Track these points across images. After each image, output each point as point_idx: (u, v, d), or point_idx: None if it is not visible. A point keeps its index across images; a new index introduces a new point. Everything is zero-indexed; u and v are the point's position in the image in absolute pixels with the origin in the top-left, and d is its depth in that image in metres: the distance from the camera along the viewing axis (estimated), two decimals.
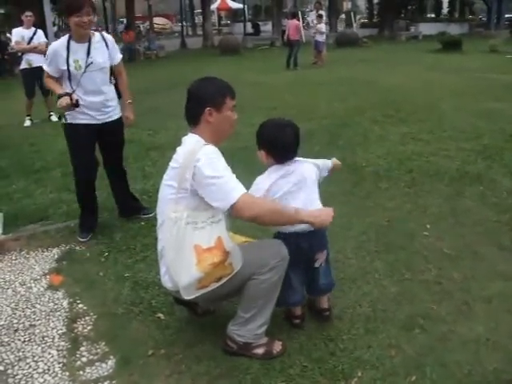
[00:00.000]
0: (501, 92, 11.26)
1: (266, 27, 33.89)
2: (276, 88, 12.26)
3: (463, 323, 3.15)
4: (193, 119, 2.73)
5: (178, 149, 2.73)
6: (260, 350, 2.84)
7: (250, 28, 34.32)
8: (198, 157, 2.53)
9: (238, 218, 2.54)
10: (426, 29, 35.29)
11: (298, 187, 2.86)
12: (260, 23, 35.44)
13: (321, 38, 17.78)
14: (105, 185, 5.03)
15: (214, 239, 2.54)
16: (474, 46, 23.36)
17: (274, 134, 2.89)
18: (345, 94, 10.92)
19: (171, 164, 2.73)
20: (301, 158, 2.99)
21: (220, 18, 52.40)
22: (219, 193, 2.48)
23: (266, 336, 2.89)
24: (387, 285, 3.57)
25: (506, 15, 41.68)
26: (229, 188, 2.48)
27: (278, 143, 2.86)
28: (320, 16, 18.51)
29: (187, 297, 2.61)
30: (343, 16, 36.47)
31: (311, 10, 19.50)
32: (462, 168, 5.96)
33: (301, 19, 24.08)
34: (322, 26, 18.21)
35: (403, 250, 4.06)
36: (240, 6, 34.88)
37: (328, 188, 5.25)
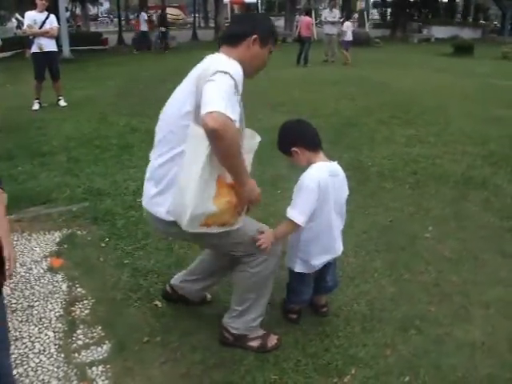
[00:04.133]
0: (510, 99, 11.19)
1: (279, 23, 33.80)
2: (285, 84, 12.23)
3: (460, 327, 3.15)
4: (234, 39, 2.55)
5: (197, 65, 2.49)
6: (255, 343, 2.85)
7: None
8: (222, 66, 2.26)
9: (203, 129, 2.14)
10: (438, 32, 35.07)
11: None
12: (273, 18, 35.44)
13: (350, 37, 17.81)
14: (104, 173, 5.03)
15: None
16: (487, 51, 23.23)
17: (296, 127, 3.00)
18: (353, 94, 10.89)
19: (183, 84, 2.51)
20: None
21: (233, 11, 52.32)
22: (212, 93, 2.16)
23: (262, 329, 2.90)
24: (385, 284, 3.57)
25: None
26: (219, 97, 2.13)
27: (305, 131, 2.95)
28: (347, 16, 18.46)
29: (190, 229, 2.36)
30: (356, 15, 36.35)
31: (325, 8, 19.36)
32: (467, 172, 5.94)
33: (314, 17, 24.03)
34: (349, 25, 18.20)
35: (404, 251, 4.07)
36: (253, 0, 34.85)
37: None
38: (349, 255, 3.95)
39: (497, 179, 5.78)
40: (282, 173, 5.69)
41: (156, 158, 2.56)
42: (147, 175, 2.66)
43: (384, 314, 3.24)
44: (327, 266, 3.04)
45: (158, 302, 3.29)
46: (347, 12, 30.51)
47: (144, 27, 25.44)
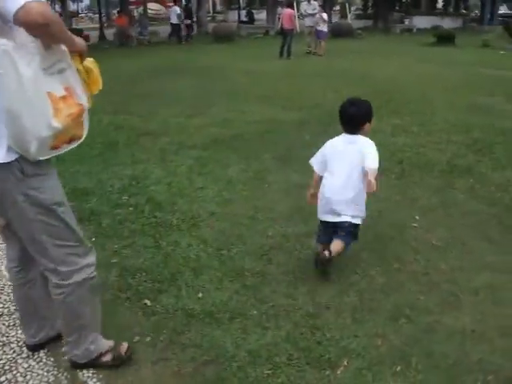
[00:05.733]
0: (492, 87, 11.28)
1: (261, 15, 33.76)
2: (269, 77, 12.22)
3: (450, 314, 3.16)
4: None
5: None
6: (108, 357, 2.69)
7: (244, 16, 34.17)
8: None
9: (25, 26, 1.94)
10: (420, 22, 35.26)
11: None
12: (254, 11, 35.31)
13: (324, 28, 17.73)
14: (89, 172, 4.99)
15: (63, 88, 2.18)
16: (468, 40, 23.42)
17: (370, 105, 3.68)
18: (337, 85, 10.87)
19: None
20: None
21: (214, 5, 52.06)
22: None
23: (108, 340, 2.75)
24: (375, 275, 3.57)
25: (500, 11, 41.89)
26: None
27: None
28: (322, 6, 18.47)
29: (40, 156, 2.17)
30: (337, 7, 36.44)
31: (304, 0, 19.46)
32: (452, 161, 5.97)
33: (296, 9, 24.01)
34: (326, 15, 18.18)
35: (392, 241, 4.08)
36: None
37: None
38: None
39: (481, 167, 5.82)
40: (269, 167, 5.68)
41: None
42: None
43: (374, 305, 3.24)
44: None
45: (147, 301, 3.26)
46: (324, 4, 30.53)
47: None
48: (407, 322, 3.07)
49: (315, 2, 19.61)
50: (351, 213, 3.51)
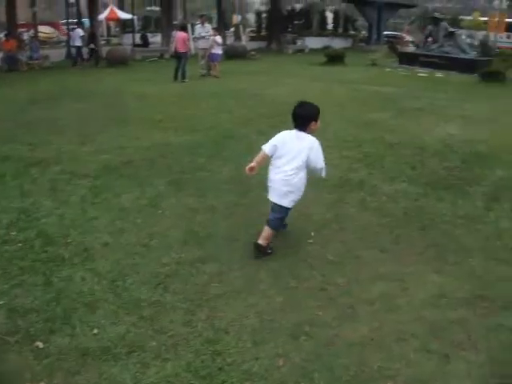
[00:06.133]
0: (380, 103, 11.90)
1: (156, 39, 33.50)
2: (163, 100, 12.09)
3: (348, 326, 3.25)
4: None
5: None
6: None
7: (139, 39, 33.82)
8: None
9: None
10: (312, 43, 36.59)
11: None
12: (149, 35, 35.05)
13: (218, 50, 17.86)
14: None
15: None
16: (357, 59, 24.55)
17: (316, 107, 4.34)
18: (232, 106, 11.00)
19: None
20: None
21: (109, 28, 51.10)
22: None
23: None
24: (273, 294, 3.61)
25: (385, 32, 44.47)
26: None
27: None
28: (216, 28, 18.58)
29: None
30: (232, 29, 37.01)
31: (198, 23, 19.56)
32: (344, 175, 6.19)
33: (190, 31, 24.07)
34: (218, 39, 18.32)
35: (288, 259, 4.13)
36: (129, 16, 34.17)
37: (209, 202, 5.28)
38: (233, 269, 3.96)
39: (372, 179, 6.08)
40: (162, 192, 5.59)
41: None
42: None
43: (274, 325, 3.26)
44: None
45: (39, 343, 3.08)
46: (219, 26, 30.95)
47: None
48: (307, 339, 3.12)
49: (209, 25, 19.77)
50: (285, 197, 4.17)
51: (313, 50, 32.57)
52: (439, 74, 20.54)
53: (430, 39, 25.21)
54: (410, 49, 29.59)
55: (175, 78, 16.67)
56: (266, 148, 4.20)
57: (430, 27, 26.02)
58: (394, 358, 2.96)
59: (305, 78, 17.17)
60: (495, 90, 16.00)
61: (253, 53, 27.72)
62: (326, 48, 31.59)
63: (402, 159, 6.85)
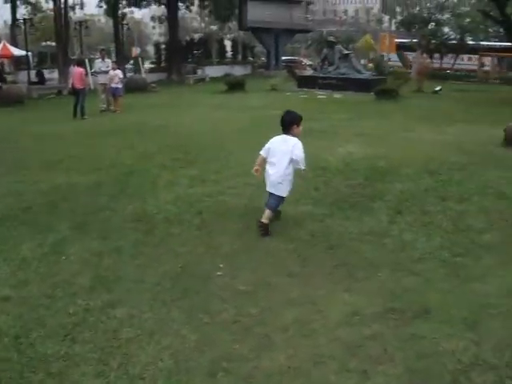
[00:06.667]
0: (280, 127, 12.06)
1: (53, 75, 32.51)
2: (63, 139, 11.62)
3: (266, 356, 3.21)
4: None
5: None
6: None
7: (34, 76, 32.71)
8: None
9: None
10: (212, 71, 37.05)
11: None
12: (45, 71, 33.98)
13: (119, 85, 17.56)
14: None
15: None
16: (257, 85, 25.04)
17: (297, 113, 5.54)
18: (133, 141, 10.71)
19: None
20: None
21: (2, 65, 49.21)
22: None
23: None
24: (187, 333, 3.50)
25: (283, 57, 45.89)
26: None
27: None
28: (115, 62, 18.27)
29: None
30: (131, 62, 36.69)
31: (98, 58, 19.20)
32: (249, 203, 6.19)
33: (88, 66, 23.60)
34: (119, 73, 18.02)
35: (199, 295, 4.04)
36: (23, 52, 32.99)
37: (114, 243, 5.10)
38: (144, 311, 3.82)
39: None
40: (66, 237, 5.32)
41: None
42: None
43: (190, 364, 3.16)
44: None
45: None
46: (118, 60, 30.62)
47: None
48: (225, 375, 3.05)
49: (108, 60, 19.50)
50: (277, 189, 5.31)
51: (213, 79, 32.94)
52: (337, 95, 21.37)
53: (326, 62, 26.23)
54: (308, 72, 30.66)
55: (74, 115, 16.18)
56: (262, 152, 5.48)
57: (325, 50, 27.15)
58: (315, 382, 2.96)
59: (206, 107, 17.26)
60: (390, 107, 16.85)
61: (153, 85, 27.57)
62: (226, 76, 32.03)
63: (305, 181, 6.96)
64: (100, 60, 18.87)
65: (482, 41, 44.92)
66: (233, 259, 4.69)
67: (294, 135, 5.33)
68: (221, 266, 4.54)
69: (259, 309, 3.79)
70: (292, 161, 5.23)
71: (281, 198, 5.40)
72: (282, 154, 5.25)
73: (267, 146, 5.44)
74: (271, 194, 5.36)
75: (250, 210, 5.92)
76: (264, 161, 5.46)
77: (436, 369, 3.13)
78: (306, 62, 45.38)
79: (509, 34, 25.15)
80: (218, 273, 4.41)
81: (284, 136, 5.35)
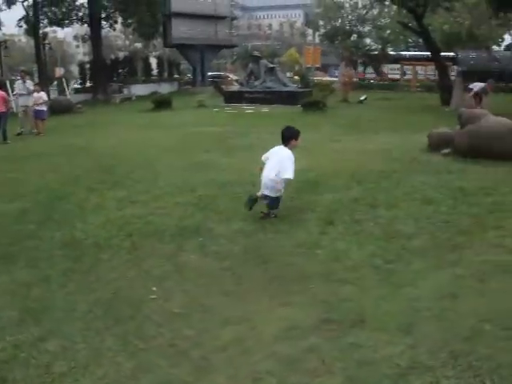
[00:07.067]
0: (210, 144, 12.13)
1: None
2: None
3: (205, 379, 3.16)
4: None
5: None
6: None
7: None
8: None
9: None
10: (138, 90, 36.64)
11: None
12: None
13: (43, 107, 17.00)
14: None
15: None
16: (184, 102, 24.97)
17: (296, 129, 6.39)
18: (59, 164, 10.37)
19: None
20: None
21: None
22: None
23: None
24: (122, 361, 3.40)
25: (210, 73, 46.06)
26: None
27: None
28: (38, 84, 17.69)
29: None
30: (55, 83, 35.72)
31: (18, 79, 18.54)
32: (180, 223, 6.10)
33: (10, 89, 22.77)
34: (44, 95, 17.44)
35: (133, 320, 3.93)
36: None
37: (43, 272, 4.89)
38: (77, 341, 3.67)
39: (209, 223, 6.09)
40: None
41: None
42: None
43: None
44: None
45: None
46: (42, 80, 29.72)
47: None
48: None
49: (30, 82, 18.87)
50: (271, 190, 6.08)
51: (140, 97, 32.54)
52: (265, 109, 21.62)
53: (252, 76, 26.51)
54: (235, 87, 30.81)
55: None
56: (263, 158, 6.40)
57: (251, 65, 27.46)
58: None
59: (133, 126, 16.98)
60: (317, 119, 17.22)
61: (79, 106, 26.90)
62: (153, 94, 31.81)
63: (235, 198, 6.97)
64: (21, 81, 18.25)
65: (402, 51, 46.98)
66: (166, 281, 4.60)
67: (291, 147, 6.20)
68: (154, 289, 4.44)
69: (195, 331, 3.73)
70: (281, 168, 6.00)
71: (275, 198, 6.16)
72: (275, 162, 6.08)
73: (267, 154, 6.37)
74: (266, 195, 6.13)
75: (182, 230, 5.86)
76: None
77: (375, 376, 3.18)
78: (232, 77, 45.64)
79: (427, 44, 26.45)
80: (152, 296, 4.31)
81: (281, 147, 6.22)
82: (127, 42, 57.25)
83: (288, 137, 6.20)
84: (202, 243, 5.45)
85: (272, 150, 6.29)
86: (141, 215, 6.47)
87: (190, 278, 4.66)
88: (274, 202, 6.18)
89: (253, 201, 6.17)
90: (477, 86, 18.24)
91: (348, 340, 3.55)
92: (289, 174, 5.98)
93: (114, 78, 39.94)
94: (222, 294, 4.31)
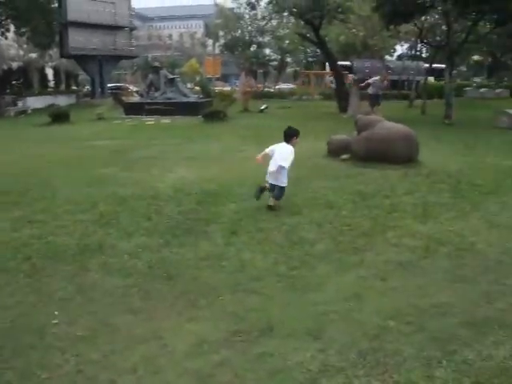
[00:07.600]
0: (110, 157, 11.85)
1: None
2: None
3: None
4: None
5: None
6: None
7: None
8: None
9: None
10: (34, 102, 34.93)
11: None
12: None
13: None
14: None
15: None
16: (83, 115, 24.15)
17: (296, 129, 7.32)
18: None
19: None
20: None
21: None
22: None
23: None
24: None
25: (109, 84, 45.02)
26: None
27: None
28: None
29: None
30: None
31: None
32: (81, 242, 5.85)
33: None
34: None
35: (35, 349, 3.70)
36: None
37: None
38: None
39: (111, 239, 5.90)
40: None
41: None
42: None
43: None
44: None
45: None
46: None
47: None
48: None
49: None
50: (277, 180, 6.96)
51: (36, 110, 31.03)
52: (166, 120, 21.44)
53: (152, 87, 26.20)
54: (135, 99, 30.31)
55: None
56: (268, 150, 7.16)
57: (151, 76, 27.17)
58: None
59: (29, 141, 16.01)
60: (218, 129, 17.30)
61: None
62: (50, 107, 30.54)
63: (137, 212, 6.84)
64: None
65: (301, 61, 48.42)
66: (69, 304, 4.39)
67: (292, 144, 7.10)
68: (56, 313, 4.22)
69: (102, 353, 3.60)
70: (282, 159, 6.87)
71: (282, 188, 6.98)
72: (281, 155, 6.92)
73: (272, 147, 7.16)
74: (275, 185, 6.99)
75: (83, 249, 5.62)
76: (266, 156, 7.14)
77: (287, 383, 3.23)
78: (132, 88, 44.93)
79: (325, 54, 27.46)
80: (54, 321, 4.09)
81: (284, 144, 7.11)
82: (21, 52, 54.64)
83: (290, 135, 7.14)
84: (105, 261, 5.28)
85: (276, 145, 7.14)
86: (40, 235, 6.12)
87: (95, 298, 4.48)
88: (279, 192, 6.98)
89: (260, 190, 7.09)
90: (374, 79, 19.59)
91: (258, 350, 3.58)
92: (284, 163, 6.84)
93: (7, 90, 37.97)
94: (128, 312, 4.20)
